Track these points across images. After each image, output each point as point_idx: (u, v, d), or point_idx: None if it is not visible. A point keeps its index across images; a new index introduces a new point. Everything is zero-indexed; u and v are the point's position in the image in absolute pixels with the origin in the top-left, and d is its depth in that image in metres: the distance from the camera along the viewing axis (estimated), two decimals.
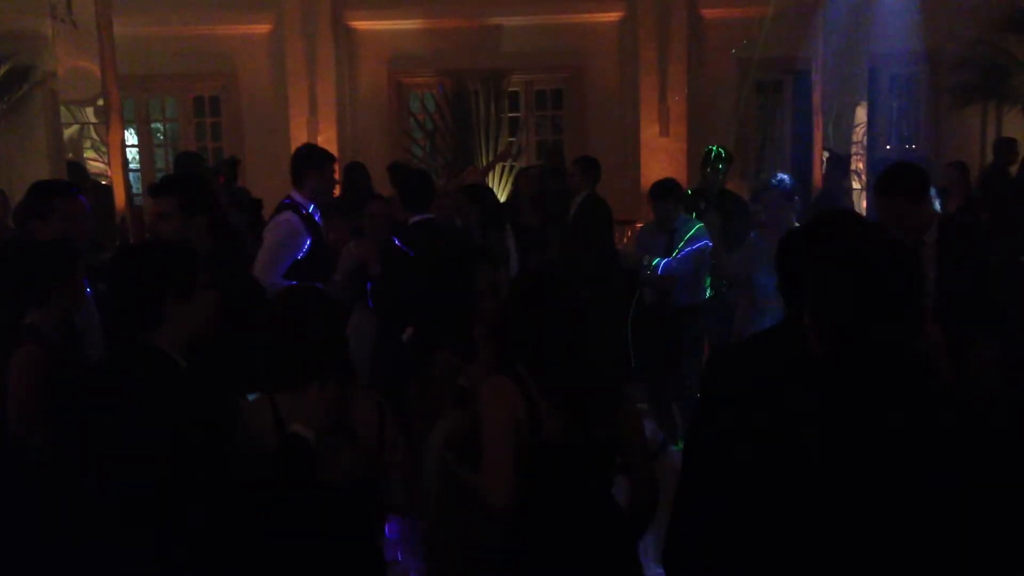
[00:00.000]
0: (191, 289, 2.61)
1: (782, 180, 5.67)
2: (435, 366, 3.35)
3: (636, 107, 11.67)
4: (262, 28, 11.82)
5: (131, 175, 11.40)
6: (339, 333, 2.96)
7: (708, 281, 6.80)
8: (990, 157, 10.32)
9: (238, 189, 7.71)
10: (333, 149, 11.32)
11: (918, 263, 1.95)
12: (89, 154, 12.38)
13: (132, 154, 12.04)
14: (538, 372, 2.76)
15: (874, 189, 4.43)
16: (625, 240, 9.56)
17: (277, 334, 2.74)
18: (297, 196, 5.39)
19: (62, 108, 11.61)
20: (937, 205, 5.23)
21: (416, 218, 5.57)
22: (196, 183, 4.04)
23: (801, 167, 9.21)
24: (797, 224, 5.38)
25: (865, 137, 9.59)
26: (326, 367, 2.74)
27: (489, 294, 3.46)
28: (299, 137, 11.44)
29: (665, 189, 6.63)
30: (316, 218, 5.42)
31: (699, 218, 6.80)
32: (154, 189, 4.02)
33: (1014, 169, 9.41)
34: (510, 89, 11.75)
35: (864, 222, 3.28)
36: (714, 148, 7.48)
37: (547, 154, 10.42)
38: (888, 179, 4.31)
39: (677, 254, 6.52)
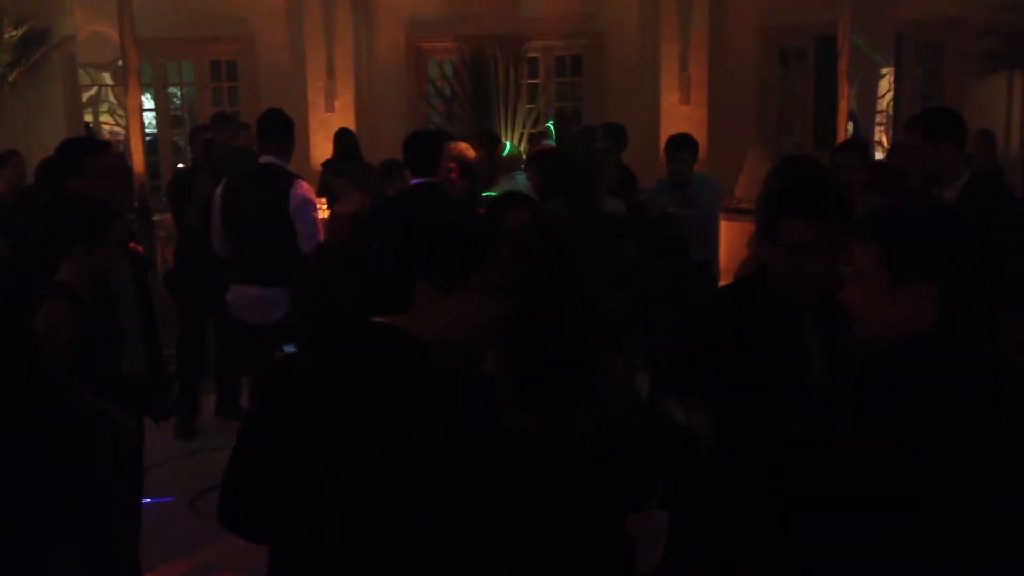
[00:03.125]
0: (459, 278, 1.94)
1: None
2: None
3: (656, 74, 11.54)
4: None
5: (148, 139, 11.39)
6: (368, 294, 2.61)
7: None
8: (1016, 125, 10.18)
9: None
10: (350, 114, 11.28)
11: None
12: (105, 118, 12.37)
13: (149, 118, 12.01)
14: (517, 341, 2.34)
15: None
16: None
17: (308, 291, 2.61)
18: (280, 162, 5.36)
19: (80, 71, 11.62)
20: None
21: (414, 181, 5.41)
22: None
23: (825, 135, 9.10)
24: None
25: (891, 105, 9.47)
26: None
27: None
28: (317, 102, 11.38)
29: (681, 141, 6.65)
30: None
31: None
32: None
33: None
34: (529, 55, 11.63)
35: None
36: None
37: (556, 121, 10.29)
38: (915, 115, 4.48)
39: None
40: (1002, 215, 4.01)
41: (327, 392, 1.89)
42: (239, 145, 7.83)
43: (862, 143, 6.07)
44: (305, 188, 5.37)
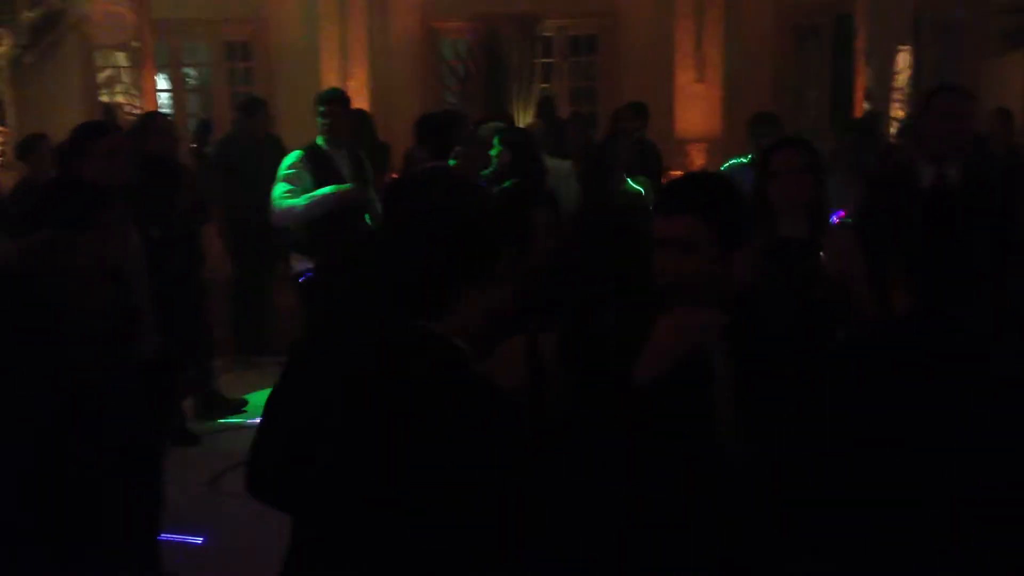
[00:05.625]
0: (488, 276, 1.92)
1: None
2: None
3: (671, 53, 11.48)
4: None
5: None
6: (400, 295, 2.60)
7: None
8: None
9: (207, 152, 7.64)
10: (364, 95, 11.26)
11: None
12: (121, 98, 12.37)
13: (164, 99, 12.03)
14: (579, 323, 2.28)
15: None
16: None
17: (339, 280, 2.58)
18: None
19: (95, 52, 11.61)
20: None
21: (431, 164, 5.36)
22: None
23: (842, 114, 9.04)
24: None
25: (908, 84, 9.39)
26: None
27: (546, 236, 3.07)
28: (330, 82, 11.33)
29: (768, 117, 6.41)
30: None
31: None
32: None
33: None
34: (543, 34, 11.59)
35: None
36: None
37: (540, 107, 10.27)
38: (957, 86, 4.48)
39: None
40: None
41: (355, 384, 1.91)
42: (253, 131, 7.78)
43: (871, 123, 5.99)
44: None
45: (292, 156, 5.66)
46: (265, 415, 2.16)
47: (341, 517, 1.88)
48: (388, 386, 1.89)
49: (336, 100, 5.84)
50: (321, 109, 5.68)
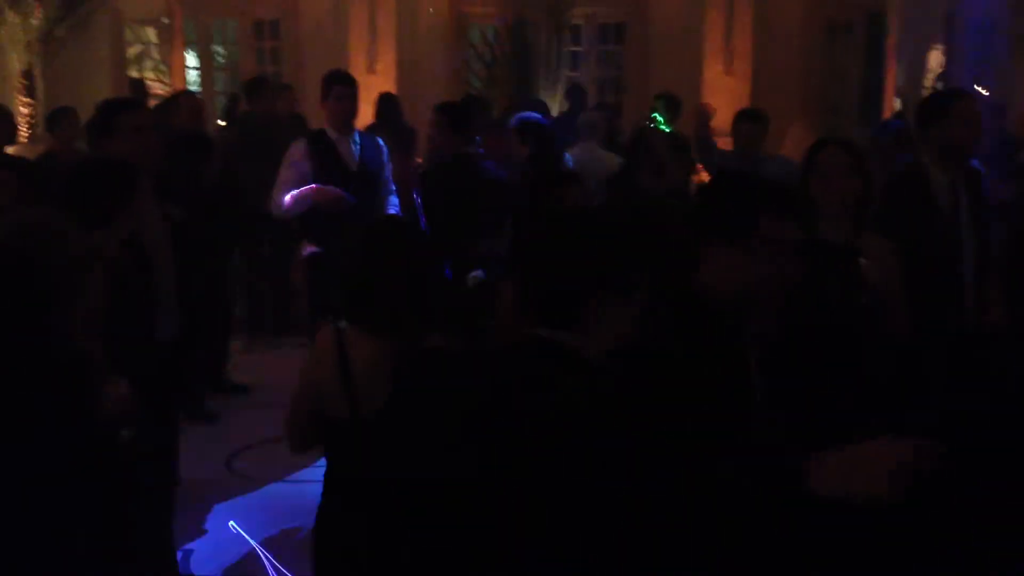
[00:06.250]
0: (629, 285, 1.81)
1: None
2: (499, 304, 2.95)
3: (700, 44, 11.41)
4: None
5: None
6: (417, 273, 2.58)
7: None
8: None
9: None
10: (391, 78, 11.26)
11: None
12: (150, 75, 12.43)
13: (192, 76, 12.06)
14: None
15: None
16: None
17: (351, 266, 2.59)
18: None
19: (125, 28, 11.67)
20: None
21: (459, 152, 5.28)
22: None
23: (870, 112, 8.96)
24: None
25: (939, 84, 9.30)
26: (399, 309, 2.48)
27: None
28: (358, 64, 11.35)
29: (753, 113, 6.33)
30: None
31: None
32: None
33: None
34: (572, 22, 11.54)
35: None
36: None
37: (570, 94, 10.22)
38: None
39: None
40: None
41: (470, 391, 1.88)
42: (281, 110, 7.82)
43: (903, 128, 5.91)
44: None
45: (296, 144, 5.46)
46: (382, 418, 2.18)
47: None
48: (509, 401, 1.79)
49: (342, 82, 5.52)
50: (327, 92, 5.42)
